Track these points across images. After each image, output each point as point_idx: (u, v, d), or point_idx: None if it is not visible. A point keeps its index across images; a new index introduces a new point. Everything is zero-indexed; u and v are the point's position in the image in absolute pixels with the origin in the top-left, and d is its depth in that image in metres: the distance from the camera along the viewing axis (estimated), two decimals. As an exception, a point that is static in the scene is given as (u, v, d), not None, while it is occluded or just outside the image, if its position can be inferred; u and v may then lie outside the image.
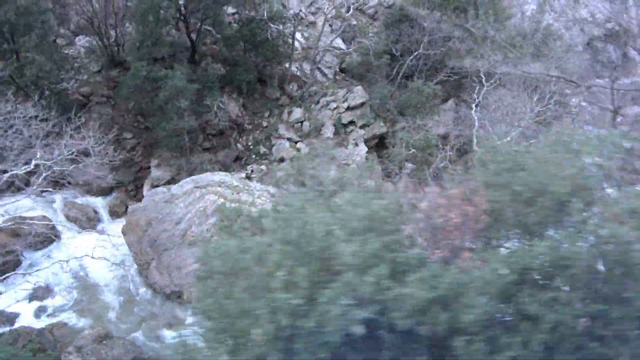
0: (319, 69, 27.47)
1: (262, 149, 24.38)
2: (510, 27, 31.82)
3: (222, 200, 18.24)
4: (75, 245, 20.22)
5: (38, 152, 16.23)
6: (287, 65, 25.73)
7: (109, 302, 18.11)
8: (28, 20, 19.59)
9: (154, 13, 20.15)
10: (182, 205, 18.92)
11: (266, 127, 24.81)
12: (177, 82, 19.64)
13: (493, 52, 27.26)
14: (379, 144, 26.49)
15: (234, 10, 24.37)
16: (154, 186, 22.53)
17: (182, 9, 20.92)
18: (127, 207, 22.52)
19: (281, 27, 23.43)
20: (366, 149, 25.10)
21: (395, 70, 27.23)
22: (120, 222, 21.71)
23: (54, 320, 17.07)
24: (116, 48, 23.35)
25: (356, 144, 24.92)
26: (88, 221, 21.22)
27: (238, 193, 18.82)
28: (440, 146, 23.51)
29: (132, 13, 21.87)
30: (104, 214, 22.00)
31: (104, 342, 14.44)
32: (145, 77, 19.87)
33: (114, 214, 22.04)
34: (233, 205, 18.30)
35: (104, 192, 22.59)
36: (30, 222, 19.26)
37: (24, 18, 19.11)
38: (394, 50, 26.76)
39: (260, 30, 23.09)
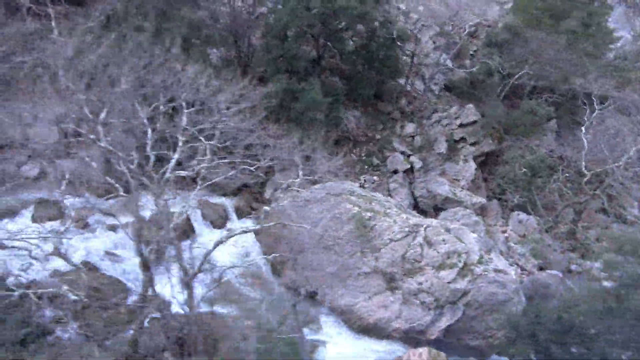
0: (427, 85, 28.38)
1: (375, 161, 25.43)
2: (616, 50, 31.77)
3: (356, 208, 19.36)
4: (210, 241, 21.88)
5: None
6: (401, 80, 26.76)
7: (250, 296, 19.51)
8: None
9: (295, 28, 21.56)
10: (317, 210, 20.18)
11: (379, 139, 25.87)
12: (314, 95, 20.94)
13: (604, 74, 27.39)
14: (484, 162, 27.12)
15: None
16: (276, 190, 24.04)
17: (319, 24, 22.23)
18: (252, 208, 24.14)
19: (404, 44, 24.49)
20: (475, 166, 25.78)
21: (500, 89, 27.80)
22: (245, 222, 23.39)
23: (202, 309, 18.60)
24: (247, 59, 24.99)
25: (466, 160, 25.62)
26: (220, 219, 22.85)
27: (370, 203, 19.92)
28: (555, 167, 23.92)
29: (268, 27, 23.35)
30: (232, 213, 23.59)
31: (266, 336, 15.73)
32: (284, 89, 21.29)
33: (241, 214, 23.58)
34: (368, 214, 19.53)
35: (231, 193, 24.23)
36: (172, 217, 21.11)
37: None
38: (500, 69, 27.31)
39: (383, 47, 24.19)
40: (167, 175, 16.54)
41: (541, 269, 24.26)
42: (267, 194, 24.32)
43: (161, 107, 17.12)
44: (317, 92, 21.05)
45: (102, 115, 16.38)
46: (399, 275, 18.41)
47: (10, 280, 16.89)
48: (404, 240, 18.57)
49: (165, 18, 20.92)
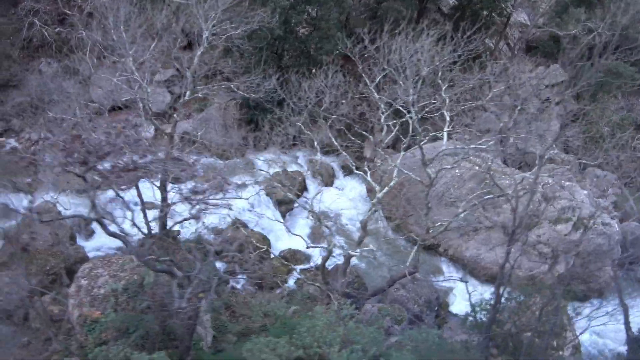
0: (507, 44, 29.13)
1: (466, 120, 26.52)
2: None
3: (476, 167, 20.76)
4: (320, 197, 23.31)
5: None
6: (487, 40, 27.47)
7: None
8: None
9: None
10: (434, 170, 21.51)
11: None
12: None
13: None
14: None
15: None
16: (377, 148, 25.30)
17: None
18: (355, 167, 25.46)
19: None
20: (558, 125, 26.98)
21: (581, 49, 28.57)
22: (350, 180, 24.83)
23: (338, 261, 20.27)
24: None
25: (551, 119, 26.81)
26: (328, 177, 24.22)
27: (485, 162, 21.27)
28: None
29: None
30: (338, 171, 24.93)
31: (415, 282, 17.46)
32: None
33: (346, 171, 24.93)
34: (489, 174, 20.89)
35: (333, 151, 25.43)
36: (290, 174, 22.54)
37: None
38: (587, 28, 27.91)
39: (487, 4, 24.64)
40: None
41: (621, 220, 26.09)
42: (367, 152, 25.59)
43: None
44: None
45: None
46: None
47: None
48: (523, 197, 20.05)
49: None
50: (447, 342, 12.65)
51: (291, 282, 18.48)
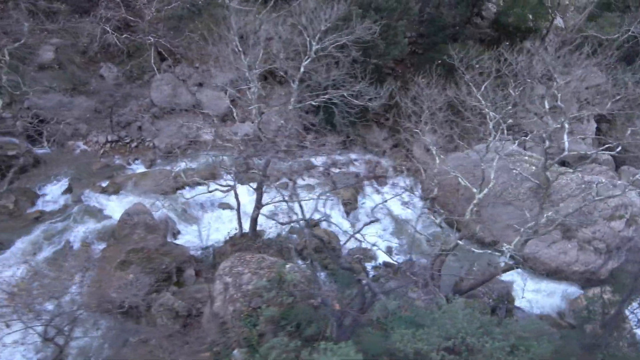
0: (545, 48, 30.11)
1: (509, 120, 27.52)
2: None
3: (533, 167, 21.74)
4: (376, 196, 24.24)
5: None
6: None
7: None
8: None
9: None
10: (490, 170, 22.48)
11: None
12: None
13: None
14: (598, 120, 29.39)
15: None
16: (426, 149, 26.27)
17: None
18: (405, 166, 26.40)
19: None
20: (595, 125, 28.11)
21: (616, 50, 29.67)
22: (401, 179, 25.70)
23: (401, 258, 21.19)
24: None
25: (588, 120, 27.90)
26: (385, 176, 25.12)
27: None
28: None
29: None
30: (390, 171, 25.82)
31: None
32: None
33: (396, 171, 25.84)
34: (547, 173, 21.89)
35: (383, 152, 26.37)
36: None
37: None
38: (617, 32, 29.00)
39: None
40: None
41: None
42: (416, 152, 26.51)
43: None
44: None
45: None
46: (575, 225, 21.05)
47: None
48: (579, 196, 21.10)
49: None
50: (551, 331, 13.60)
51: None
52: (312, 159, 24.45)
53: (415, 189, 24.24)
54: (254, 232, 17.19)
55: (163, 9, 24.09)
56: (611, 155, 27.35)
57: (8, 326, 10.65)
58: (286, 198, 17.29)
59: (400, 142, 26.46)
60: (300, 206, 13.93)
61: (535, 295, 20.49)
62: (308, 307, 10.40)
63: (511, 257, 15.62)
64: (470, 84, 16.25)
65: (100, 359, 11.39)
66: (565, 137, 15.00)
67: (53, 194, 19.48)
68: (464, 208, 22.64)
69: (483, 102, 15.75)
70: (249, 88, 16.16)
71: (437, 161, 16.98)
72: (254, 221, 17.03)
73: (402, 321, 11.55)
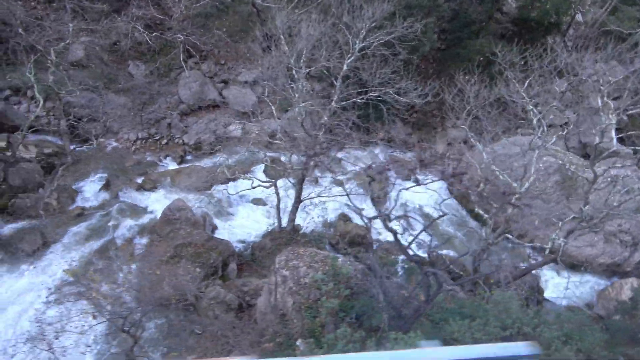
0: (564, 41, 30.33)
1: (531, 116, 27.82)
2: None
3: (560, 162, 22.06)
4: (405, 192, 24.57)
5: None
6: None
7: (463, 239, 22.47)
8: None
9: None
10: (516, 164, 22.82)
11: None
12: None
13: None
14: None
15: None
16: (449, 144, 26.60)
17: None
18: (427, 161, 26.73)
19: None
20: (616, 119, 28.36)
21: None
22: (428, 174, 26.03)
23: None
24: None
25: (611, 114, 28.12)
26: (408, 171, 25.43)
27: (566, 156, 22.58)
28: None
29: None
30: (415, 165, 26.14)
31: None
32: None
33: (422, 166, 26.16)
34: (572, 166, 22.25)
35: (406, 147, 26.69)
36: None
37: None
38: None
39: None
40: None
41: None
42: (440, 148, 26.85)
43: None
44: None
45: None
46: (611, 218, 21.40)
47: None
48: (606, 189, 21.40)
49: None
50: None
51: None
52: (340, 155, 24.86)
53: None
54: (293, 226, 17.56)
55: (191, 6, 24.36)
56: (632, 149, 27.77)
57: (95, 317, 11.09)
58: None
59: (423, 138, 26.83)
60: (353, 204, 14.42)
61: (562, 287, 20.86)
62: (367, 299, 10.78)
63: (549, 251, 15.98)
64: (514, 80, 16.56)
65: (171, 349, 11.82)
66: (613, 132, 15.26)
67: (90, 190, 19.85)
68: (489, 204, 23.06)
69: (527, 98, 16.05)
70: (292, 86, 16.42)
71: (485, 157, 17.34)
72: (292, 215, 17.39)
73: (449, 313, 11.95)
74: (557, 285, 21.01)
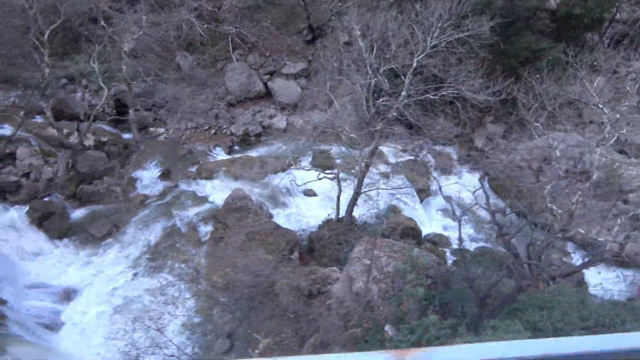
0: (601, 38, 30.53)
1: (569, 113, 28.14)
2: None
3: (603, 159, 22.45)
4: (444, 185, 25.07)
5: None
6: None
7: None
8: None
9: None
10: (565, 158, 23.26)
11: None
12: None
13: None
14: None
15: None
16: (488, 139, 27.01)
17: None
18: (468, 155, 27.16)
19: None
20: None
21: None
22: (464, 168, 26.47)
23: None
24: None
25: (647, 112, 28.41)
26: (448, 166, 25.89)
27: (610, 154, 22.97)
28: None
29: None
30: (456, 160, 26.60)
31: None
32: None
33: (461, 161, 26.61)
34: (616, 163, 22.66)
35: (447, 142, 27.10)
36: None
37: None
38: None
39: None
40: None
41: None
42: (478, 143, 27.26)
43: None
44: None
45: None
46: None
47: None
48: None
49: None
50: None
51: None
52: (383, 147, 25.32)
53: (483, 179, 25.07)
54: (350, 217, 18.09)
55: (242, -1, 24.81)
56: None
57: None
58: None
59: (463, 133, 27.23)
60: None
61: (604, 282, 21.35)
62: (457, 288, 11.33)
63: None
64: (584, 79, 16.97)
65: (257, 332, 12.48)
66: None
67: (148, 178, 20.47)
68: (532, 195, 23.53)
69: (597, 98, 16.44)
70: (369, 84, 16.64)
71: (559, 153, 17.84)
72: (351, 207, 17.91)
73: (520, 303, 12.49)
74: (600, 280, 21.50)
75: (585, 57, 24.77)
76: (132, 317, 13.09)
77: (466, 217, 23.75)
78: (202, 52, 25.73)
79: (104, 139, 21.35)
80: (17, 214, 16.84)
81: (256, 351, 11.67)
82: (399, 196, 22.68)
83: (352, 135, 19.68)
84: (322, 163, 23.28)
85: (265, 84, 26.04)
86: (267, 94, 26.03)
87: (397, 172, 23.85)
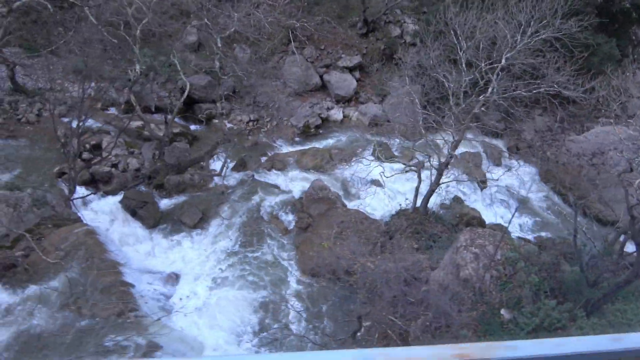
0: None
1: (613, 106, 28.81)
2: None
3: None
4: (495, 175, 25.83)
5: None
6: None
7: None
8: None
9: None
10: (611, 154, 23.97)
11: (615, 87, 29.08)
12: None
13: None
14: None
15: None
16: (536, 132, 27.75)
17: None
18: (517, 148, 27.85)
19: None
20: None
21: None
22: (514, 161, 27.18)
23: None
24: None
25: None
26: (498, 158, 26.61)
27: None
28: None
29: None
30: (505, 152, 27.29)
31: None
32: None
33: (511, 153, 27.33)
34: None
35: (494, 135, 27.79)
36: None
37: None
38: None
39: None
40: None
41: None
42: (527, 135, 27.96)
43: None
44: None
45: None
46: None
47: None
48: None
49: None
50: None
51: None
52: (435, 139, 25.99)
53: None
54: (425, 208, 18.84)
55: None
56: None
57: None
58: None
59: (511, 126, 27.89)
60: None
61: None
62: (570, 273, 12.12)
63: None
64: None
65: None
66: None
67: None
68: (585, 189, 24.28)
69: None
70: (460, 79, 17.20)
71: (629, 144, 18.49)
72: (428, 197, 18.65)
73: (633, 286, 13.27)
74: None
75: (636, 51, 25.31)
76: (246, 302, 13.87)
77: (522, 208, 24.73)
78: (258, 46, 26.26)
79: (176, 131, 22.01)
80: (112, 202, 17.58)
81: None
82: (461, 187, 23.48)
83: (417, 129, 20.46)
84: (386, 155, 24.03)
85: (321, 77, 26.63)
86: (323, 87, 26.63)
87: (454, 164, 24.55)
